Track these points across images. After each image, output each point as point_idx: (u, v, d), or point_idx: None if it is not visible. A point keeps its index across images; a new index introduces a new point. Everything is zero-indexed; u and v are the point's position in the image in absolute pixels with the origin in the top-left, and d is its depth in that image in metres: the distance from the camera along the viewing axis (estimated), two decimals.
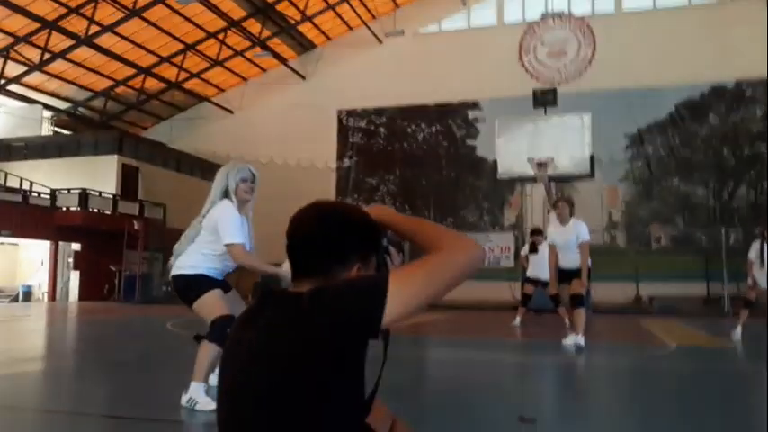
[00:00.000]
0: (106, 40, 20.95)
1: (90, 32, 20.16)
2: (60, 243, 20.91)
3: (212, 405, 3.12)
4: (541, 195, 15.22)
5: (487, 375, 5.54)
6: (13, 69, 21.06)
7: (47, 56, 20.70)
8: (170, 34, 21.79)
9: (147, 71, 23.32)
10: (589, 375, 5.81)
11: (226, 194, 3.69)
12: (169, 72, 23.88)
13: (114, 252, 20.19)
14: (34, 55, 20.72)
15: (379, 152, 24.22)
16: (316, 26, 24.07)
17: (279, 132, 24.34)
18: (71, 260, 21.07)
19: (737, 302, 8.68)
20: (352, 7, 22.87)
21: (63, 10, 19.27)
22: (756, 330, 8.69)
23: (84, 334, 9.94)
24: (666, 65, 20.33)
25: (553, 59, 22.28)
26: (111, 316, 13.36)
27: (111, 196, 21.07)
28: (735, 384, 5.27)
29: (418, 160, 23.57)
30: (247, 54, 24.13)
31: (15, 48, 20.29)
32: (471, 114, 23.19)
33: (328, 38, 25.02)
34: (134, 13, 19.83)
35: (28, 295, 20.75)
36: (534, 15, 22.71)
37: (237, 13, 21.94)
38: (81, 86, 23.36)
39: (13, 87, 22.04)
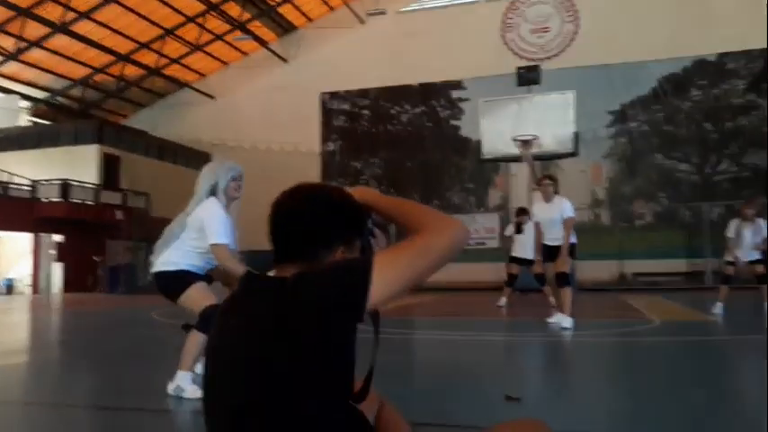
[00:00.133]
0: (83, 27, 20.59)
1: (66, 19, 19.79)
2: (42, 235, 20.68)
3: (199, 393, 3.11)
4: (526, 175, 15.25)
5: (474, 356, 5.57)
6: None
7: (22, 44, 20.31)
8: (148, 19, 21.44)
9: (126, 58, 22.97)
10: (575, 353, 5.86)
11: (213, 192, 3.64)
12: (148, 58, 23.55)
13: (97, 243, 20.02)
14: (9, 44, 20.33)
15: (363, 135, 24.12)
16: (296, 7, 23.81)
17: (261, 117, 24.15)
18: (54, 252, 20.87)
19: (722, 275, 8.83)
20: None
21: None
22: (736, 304, 8.84)
23: (69, 325, 9.87)
24: (649, 39, 20.35)
25: (536, 36, 22.23)
26: (95, 307, 13.27)
27: (92, 186, 20.85)
28: (717, 356, 5.34)
29: (403, 142, 23.50)
30: (228, 38, 23.85)
31: None
32: (455, 94, 23.12)
33: (309, 19, 24.77)
34: None
35: (10, 288, 20.55)
36: None
37: None
38: (58, 75, 22.97)
39: None
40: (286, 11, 23.84)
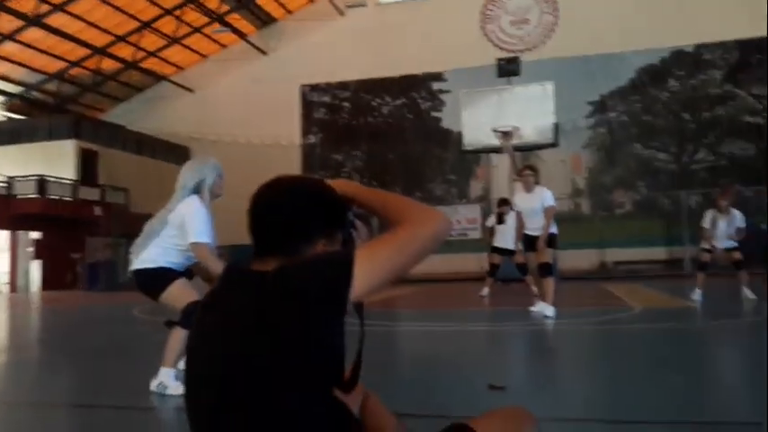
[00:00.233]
0: (57, 20, 20.23)
1: (40, 12, 19.43)
2: (19, 232, 20.38)
3: (182, 389, 3.09)
4: (507, 166, 15.33)
5: (457, 346, 5.60)
6: None
7: None
8: (124, 12, 21.14)
9: (102, 51, 22.63)
10: (557, 341, 5.91)
11: (197, 189, 3.61)
12: (125, 51, 23.22)
13: (76, 239, 19.77)
14: None
15: (344, 127, 24.04)
16: None
17: (241, 110, 23.97)
18: (31, 249, 20.58)
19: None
20: None
21: None
22: (714, 290, 9.01)
23: (49, 324, 9.75)
24: (627, 30, 20.49)
25: (516, 28, 22.29)
26: (75, 305, 13.13)
27: (70, 182, 20.56)
28: (697, 341, 5.42)
29: (384, 134, 23.47)
30: (206, 30, 23.59)
31: None
32: (435, 86, 23.12)
33: (288, 11, 24.58)
34: None
35: None
36: None
37: None
38: (33, 69, 22.56)
39: None
40: (265, 2, 23.64)
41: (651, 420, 2.78)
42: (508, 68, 16.60)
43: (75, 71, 23.46)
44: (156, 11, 21.75)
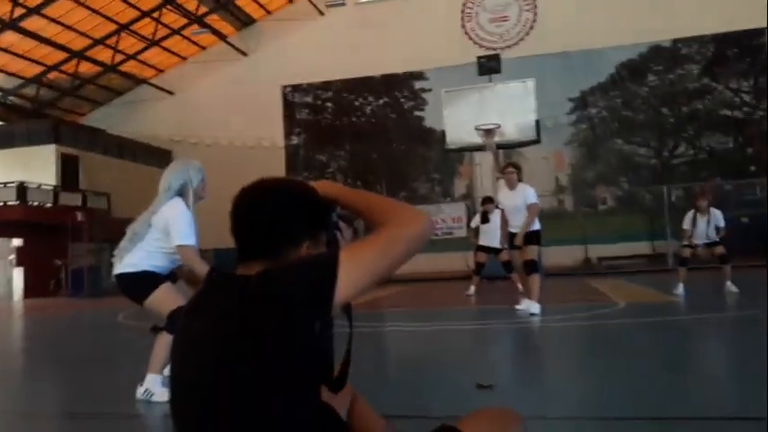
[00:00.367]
0: (33, 24, 19.97)
1: (15, 15, 19.17)
2: (0, 240, 20.09)
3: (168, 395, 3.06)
4: (490, 164, 15.38)
5: (444, 345, 5.61)
6: None
7: None
8: (102, 14, 20.91)
9: (80, 54, 22.38)
10: (544, 338, 5.94)
11: (180, 192, 3.58)
12: (104, 54, 22.98)
13: (59, 246, 19.52)
14: None
15: (327, 127, 23.98)
16: (254, 0, 23.49)
17: (222, 112, 23.81)
18: (13, 257, 20.30)
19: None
20: None
21: None
22: (696, 284, 9.16)
23: (33, 332, 9.62)
24: (605, 26, 20.63)
25: (495, 25, 22.37)
26: (59, 312, 12.97)
27: (51, 188, 20.30)
28: (681, 335, 5.47)
29: (367, 134, 23.45)
30: (185, 32, 23.41)
31: None
32: (417, 85, 23.14)
33: (268, 11, 24.47)
34: None
35: None
36: None
37: None
38: (9, 74, 22.25)
39: None
40: (244, 3, 23.50)
41: (640, 417, 2.80)
42: (489, 66, 16.64)
43: (52, 75, 23.18)
44: (133, 13, 21.54)
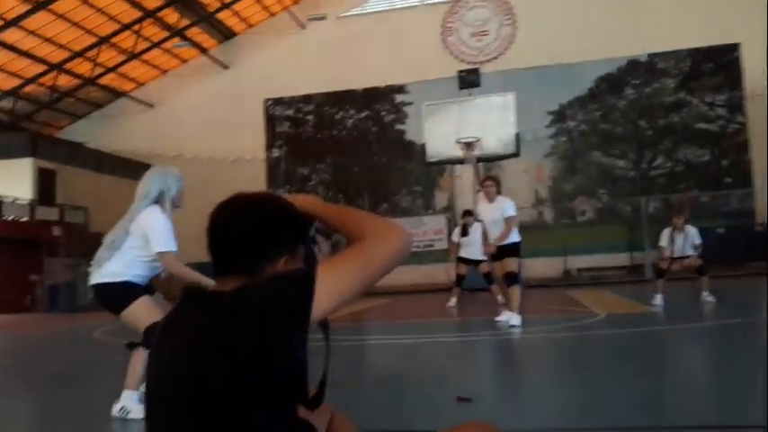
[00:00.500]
0: (11, 36, 19.76)
1: None
2: None
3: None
4: (471, 176, 15.45)
5: (425, 358, 5.60)
6: None
7: None
8: (81, 27, 20.76)
9: (59, 67, 22.16)
10: (524, 350, 5.96)
11: (157, 199, 3.54)
12: (83, 67, 22.79)
13: (35, 261, 19.23)
14: None
15: (308, 140, 23.97)
16: (235, 13, 23.50)
17: (203, 125, 23.70)
18: None
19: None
20: None
21: None
22: (674, 295, 9.29)
23: (6, 349, 9.43)
24: (584, 40, 20.93)
25: (476, 39, 22.58)
26: (34, 328, 12.75)
27: (27, 202, 20.01)
28: (660, 345, 5.52)
29: (348, 147, 23.48)
30: (165, 45, 23.31)
31: None
32: (398, 98, 23.24)
33: (249, 25, 24.48)
34: (40, 5, 18.77)
35: None
36: None
37: (152, 2, 21.13)
38: None
39: None
40: (225, 17, 23.50)
41: (620, 427, 2.81)
42: (469, 80, 16.79)
43: (30, 88, 22.91)
44: (113, 26, 21.42)
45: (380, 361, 5.80)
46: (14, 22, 19.14)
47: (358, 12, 23.97)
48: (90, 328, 9.92)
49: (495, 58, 22.15)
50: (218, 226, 1.27)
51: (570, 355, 5.43)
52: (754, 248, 17.89)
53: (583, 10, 21.37)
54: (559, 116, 21.81)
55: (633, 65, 21.56)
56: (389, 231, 1.23)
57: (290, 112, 24.28)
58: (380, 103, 23.49)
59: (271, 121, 24.28)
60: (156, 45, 23.07)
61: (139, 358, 3.44)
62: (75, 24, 20.51)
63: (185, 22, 22.42)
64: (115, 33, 21.76)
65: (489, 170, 14.83)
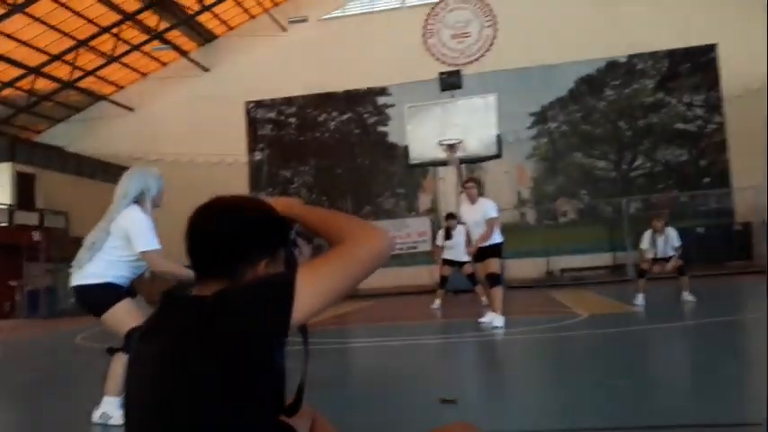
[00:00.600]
0: None
1: None
2: None
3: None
4: (454, 178, 15.49)
5: (410, 360, 5.60)
6: None
7: None
8: (59, 30, 20.50)
9: (37, 71, 21.87)
10: (508, 350, 5.98)
11: (137, 199, 3.50)
12: (61, 71, 22.51)
13: (14, 266, 18.93)
14: None
15: (290, 143, 23.89)
16: (216, 16, 23.36)
17: (184, 128, 23.52)
18: None
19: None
20: None
21: None
22: (655, 295, 9.41)
23: None
24: (563, 42, 21.09)
25: (457, 41, 22.67)
26: (14, 334, 12.57)
27: (5, 207, 19.72)
28: (642, 344, 5.57)
29: (331, 149, 23.43)
30: (145, 48, 23.11)
31: None
32: (381, 100, 23.25)
33: (230, 27, 24.34)
34: (16, 8, 18.53)
35: None
36: None
37: (131, 5, 20.93)
38: None
39: None
40: (205, 20, 23.34)
41: (605, 427, 2.83)
42: (450, 82, 16.82)
43: (7, 92, 22.59)
44: (92, 29, 21.19)
45: (364, 363, 5.80)
46: None
47: (339, 14, 23.95)
48: (71, 333, 9.80)
49: (476, 59, 22.24)
50: (198, 229, 1.26)
51: (553, 355, 5.46)
52: (732, 248, 18.19)
53: (562, 12, 21.55)
54: (540, 117, 21.94)
55: (612, 66, 21.76)
56: (370, 233, 1.23)
57: (271, 115, 24.18)
58: (362, 105, 23.48)
59: (252, 123, 24.16)
60: (136, 48, 22.86)
61: (120, 363, 3.39)
62: (53, 28, 20.25)
63: (165, 24, 22.24)
64: (94, 36, 21.53)
65: (472, 172, 14.90)
